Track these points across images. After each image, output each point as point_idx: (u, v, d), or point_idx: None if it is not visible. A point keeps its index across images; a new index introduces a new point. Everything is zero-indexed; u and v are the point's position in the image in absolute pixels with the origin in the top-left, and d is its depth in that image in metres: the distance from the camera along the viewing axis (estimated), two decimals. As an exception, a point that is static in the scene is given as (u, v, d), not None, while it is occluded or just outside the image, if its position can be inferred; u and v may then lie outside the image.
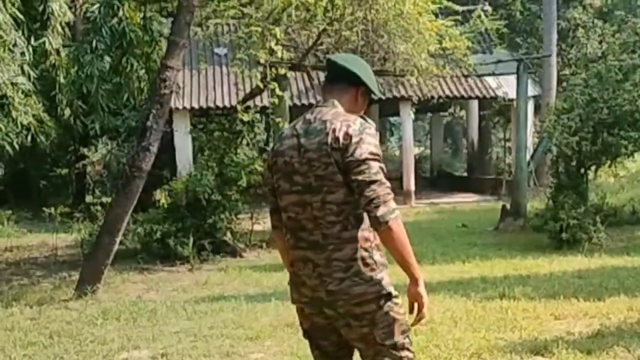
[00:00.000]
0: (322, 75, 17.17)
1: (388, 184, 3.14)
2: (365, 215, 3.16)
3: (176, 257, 11.34)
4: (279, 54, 10.67)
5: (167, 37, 9.47)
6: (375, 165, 3.12)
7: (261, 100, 15.49)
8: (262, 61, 10.90)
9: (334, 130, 3.16)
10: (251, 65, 13.32)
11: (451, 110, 28.05)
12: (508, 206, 14.33)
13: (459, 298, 7.85)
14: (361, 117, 3.28)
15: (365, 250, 3.18)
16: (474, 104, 22.76)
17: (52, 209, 12.54)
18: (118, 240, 9.13)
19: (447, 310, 7.19)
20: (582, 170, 11.85)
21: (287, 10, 11.03)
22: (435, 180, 25.66)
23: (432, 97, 15.21)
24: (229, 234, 12.13)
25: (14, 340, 6.89)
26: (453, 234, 13.58)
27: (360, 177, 3.09)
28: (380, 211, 3.06)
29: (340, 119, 3.20)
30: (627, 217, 13.59)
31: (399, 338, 3.24)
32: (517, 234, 13.20)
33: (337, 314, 3.22)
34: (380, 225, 3.09)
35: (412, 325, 3.28)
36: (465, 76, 16.58)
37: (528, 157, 14.75)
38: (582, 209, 11.27)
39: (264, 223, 13.03)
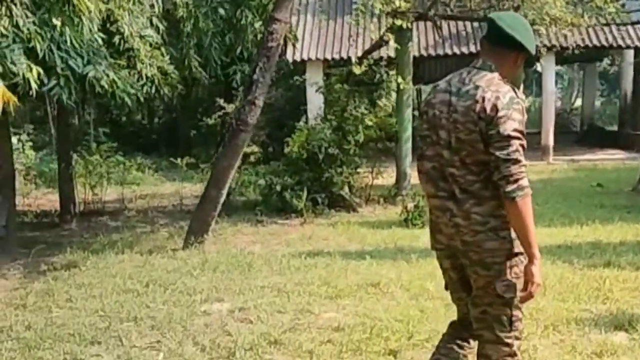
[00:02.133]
0: (450, 25, 16.64)
1: (524, 161, 3.22)
2: None
3: (292, 210, 11.47)
4: (397, 4, 10.33)
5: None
6: (515, 143, 3.19)
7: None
8: (377, 11, 10.62)
9: (483, 99, 3.23)
10: (379, 16, 13.08)
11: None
12: (649, 165, 13.38)
13: (561, 264, 7.43)
14: (513, 89, 3.30)
15: (504, 208, 3.27)
16: (629, 54, 21.23)
17: (179, 160, 13.07)
18: (225, 192, 9.30)
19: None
20: None
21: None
22: (585, 135, 24.37)
23: (567, 48, 14.31)
24: (346, 188, 12.09)
25: (113, 286, 7.20)
26: (584, 194, 12.83)
27: (498, 153, 3.19)
28: (510, 187, 3.17)
29: (493, 89, 3.25)
30: None
31: (516, 295, 3.34)
32: (655, 196, 12.32)
33: (470, 262, 3.40)
34: (507, 200, 3.20)
35: (520, 301, 3.37)
36: (606, 24, 15.44)
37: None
38: None
39: (383, 178, 12.95)
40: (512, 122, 3.18)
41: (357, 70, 11.06)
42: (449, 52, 17.90)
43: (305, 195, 11.36)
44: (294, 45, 13.78)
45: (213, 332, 5.63)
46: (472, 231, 3.33)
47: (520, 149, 3.20)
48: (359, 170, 12.48)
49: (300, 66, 18.28)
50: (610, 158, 18.74)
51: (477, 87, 3.27)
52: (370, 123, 11.32)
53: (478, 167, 3.28)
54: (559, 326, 5.41)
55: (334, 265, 7.87)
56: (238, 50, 10.82)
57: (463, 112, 3.27)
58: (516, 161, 3.18)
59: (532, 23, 12.31)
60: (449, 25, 17.67)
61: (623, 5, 15.82)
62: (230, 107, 18.81)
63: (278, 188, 11.75)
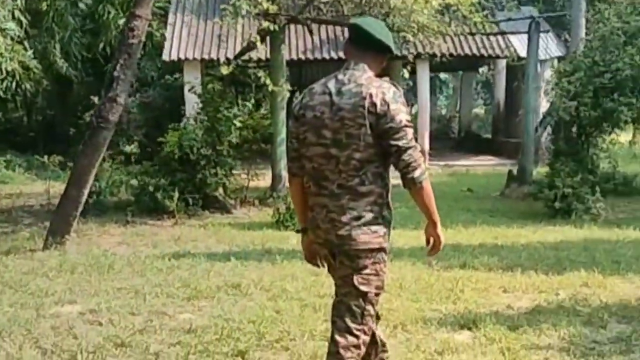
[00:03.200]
0: (329, 30, 16.82)
1: (420, 147, 3.50)
2: (381, 173, 3.51)
3: (164, 211, 11.27)
4: (265, 6, 10.31)
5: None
6: (410, 132, 3.45)
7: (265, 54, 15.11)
8: (244, 12, 10.56)
9: (370, 96, 3.42)
10: (257, 17, 12.99)
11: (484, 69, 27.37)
12: (515, 171, 13.93)
13: (420, 265, 7.59)
14: (393, 84, 3.52)
15: (377, 205, 3.51)
16: (501, 63, 22.04)
17: (46, 158, 12.63)
18: (86, 191, 9.02)
19: (398, 278, 6.94)
20: (583, 137, 11.33)
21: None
22: (462, 141, 25.19)
23: (435, 55, 14.76)
24: (220, 190, 11.99)
25: (-41, 288, 6.86)
26: (453, 198, 13.19)
27: (399, 143, 3.41)
28: (417, 173, 3.42)
29: (375, 85, 3.47)
30: (640, 187, 13.16)
31: (371, 290, 3.56)
32: (519, 201, 12.86)
33: (339, 252, 3.59)
34: (414, 185, 3.45)
35: (428, 254, 3.80)
36: (471, 34, 15.97)
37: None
38: (579, 177, 10.83)
39: (259, 180, 12.93)
40: (403, 114, 3.43)
41: (224, 70, 10.96)
42: (327, 56, 18.06)
43: (178, 196, 11.18)
44: (163, 44, 13.53)
45: (58, 335, 5.42)
46: (346, 225, 3.50)
47: (413, 137, 3.46)
48: (233, 171, 12.40)
49: (179, 65, 18.00)
50: (483, 164, 19.42)
51: (359, 85, 3.46)
52: (239, 124, 11.24)
53: (361, 164, 3.46)
54: (407, 325, 5.50)
55: (198, 266, 7.76)
56: (101, 47, 10.54)
57: (349, 109, 3.44)
58: (415, 148, 3.44)
59: (400, 30, 12.53)
60: (327, 29, 17.85)
61: (493, 15, 16.40)
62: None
63: (151, 188, 11.50)
